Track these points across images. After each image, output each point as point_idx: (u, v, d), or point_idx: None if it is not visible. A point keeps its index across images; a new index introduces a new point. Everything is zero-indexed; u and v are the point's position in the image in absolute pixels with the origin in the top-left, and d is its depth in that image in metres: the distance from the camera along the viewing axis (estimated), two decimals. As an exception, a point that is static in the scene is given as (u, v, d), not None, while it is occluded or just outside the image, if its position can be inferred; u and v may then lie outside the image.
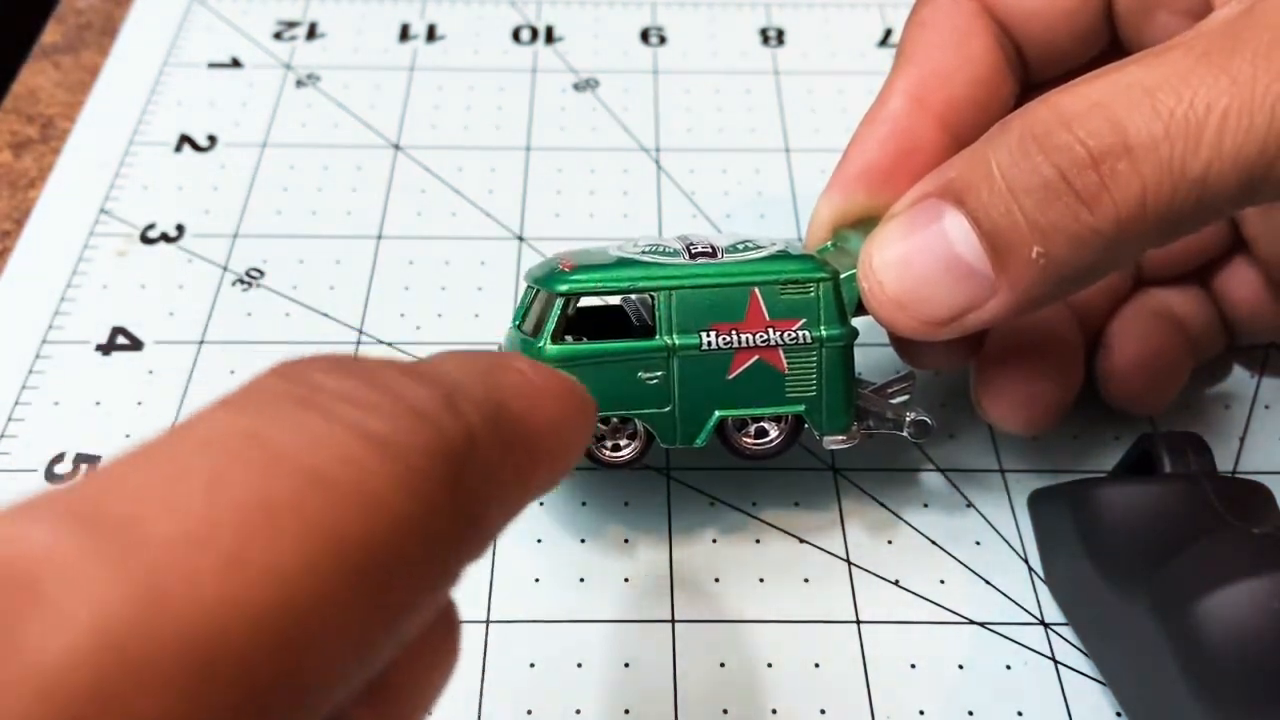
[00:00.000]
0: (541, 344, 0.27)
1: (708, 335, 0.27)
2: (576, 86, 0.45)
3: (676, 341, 0.27)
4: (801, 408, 0.28)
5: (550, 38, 0.47)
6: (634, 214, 0.40)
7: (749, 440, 0.29)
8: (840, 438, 0.29)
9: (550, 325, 0.27)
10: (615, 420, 0.28)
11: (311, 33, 0.46)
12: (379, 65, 0.45)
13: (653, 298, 0.27)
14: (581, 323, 0.29)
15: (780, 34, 0.47)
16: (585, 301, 0.28)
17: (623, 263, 0.28)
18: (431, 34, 0.47)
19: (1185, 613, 0.23)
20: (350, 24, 0.47)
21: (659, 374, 0.27)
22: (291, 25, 0.47)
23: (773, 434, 0.29)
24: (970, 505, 0.32)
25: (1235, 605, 0.23)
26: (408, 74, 0.45)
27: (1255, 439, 0.34)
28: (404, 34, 0.47)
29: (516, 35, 0.47)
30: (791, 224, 0.39)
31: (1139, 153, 0.22)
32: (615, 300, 0.29)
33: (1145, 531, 0.26)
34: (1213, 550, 0.25)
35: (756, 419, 0.28)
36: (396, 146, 0.42)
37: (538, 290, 0.28)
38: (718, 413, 0.28)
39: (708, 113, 0.44)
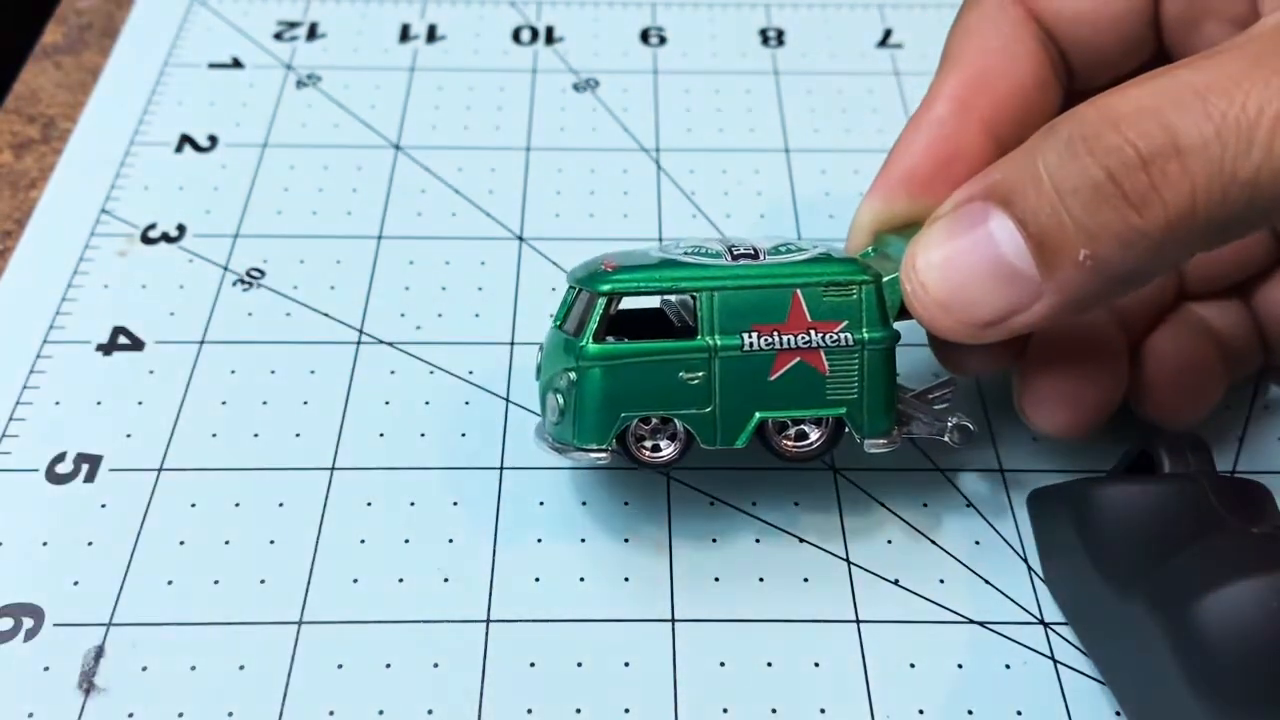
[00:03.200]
0: (584, 343, 0.27)
1: (749, 336, 0.27)
2: (576, 86, 0.45)
3: (718, 342, 0.27)
4: (843, 410, 0.28)
5: (550, 38, 0.47)
6: (634, 214, 0.40)
7: (789, 443, 0.29)
8: (881, 441, 0.28)
9: (593, 325, 0.27)
10: (656, 420, 0.28)
11: (312, 33, 0.46)
12: (379, 65, 0.45)
13: (695, 298, 0.27)
14: (622, 326, 0.29)
15: (780, 34, 0.47)
16: (627, 303, 0.28)
17: (665, 263, 0.28)
18: (431, 34, 0.47)
19: (1185, 613, 0.23)
20: (350, 24, 0.47)
21: (700, 374, 0.27)
22: (292, 26, 0.47)
23: (813, 436, 0.29)
24: (970, 505, 0.32)
25: (1235, 605, 0.23)
26: (408, 74, 0.45)
27: (1255, 439, 0.34)
28: (404, 34, 0.47)
29: (516, 35, 0.47)
30: (790, 224, 0.39)
31: (1189, 154, 0.22)
32: (656, 302, 0.29)
33: (1145, 531, 0.26)
34: (1213, 550, 0.25)
35: (797, 421, 0.28)
36: (397, 146, 0.42)
37: (579, 290, 0.28)
38: (758, 414, 0.28)
39: (708, 113, 0.44)
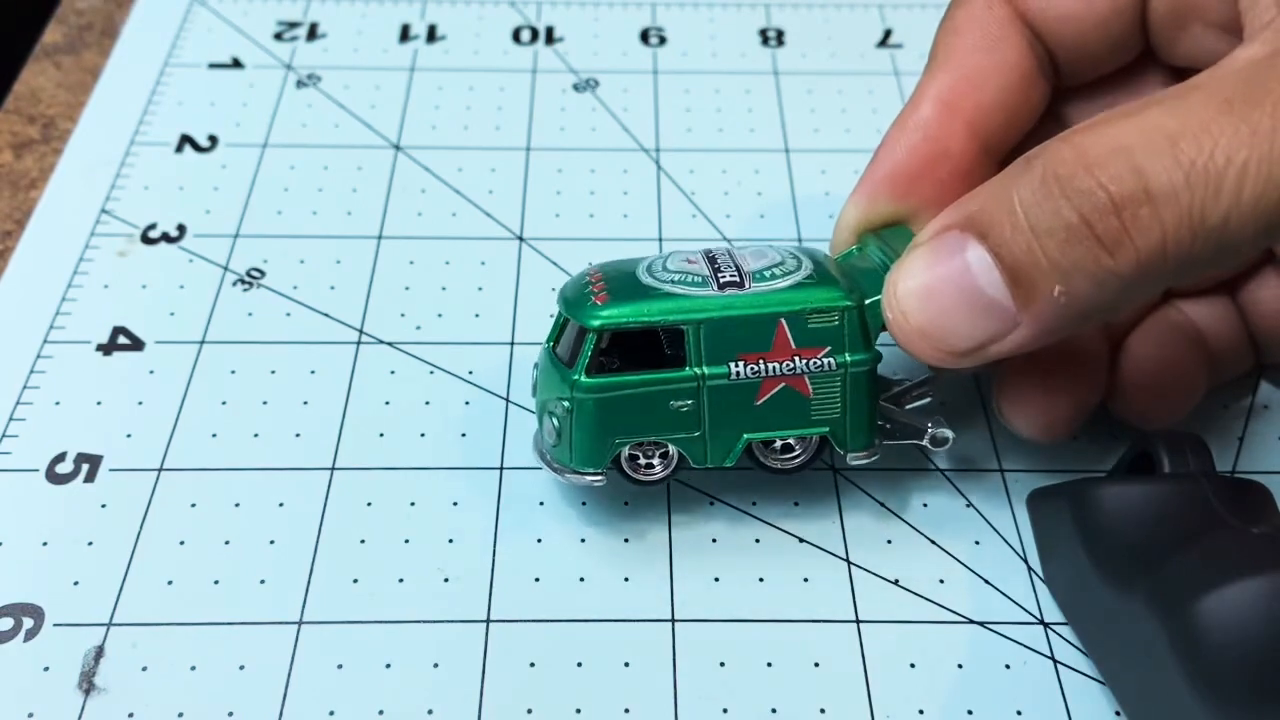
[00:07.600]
0: (577, 377, 0.28)
1: (736, 365, 0.28)
2: (576, 86, 0.45)
3: (706, 371, 0.28)
4: (826, 429, 0.29)
5: (550, 38, 0.47)
6: (634, 214, 0.40)
7: (775, 458, 0.30)
8: (863, 454, 0.29)
9: (584, 359, 0.28)
10: (648, 442, 0.29)
11: (312, 33, 0.47)
12: (379, 65, 0.45)
13: (683, 330, 0.28)
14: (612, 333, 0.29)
15: (780, 34, 0.47)
16: None
17: (652, 295, 0.28)
18: (432, 34, 0.47)
19: (1185, 613, 0.23)
20: (350, 24, 0.47)
21: (690, 402, 0.28)
22: (292, 26, 0.47)
23: (798, 451, 0.30)
24: (970, 505, 0.32)
25: (1235, 605, 0.23)
26: (408, 74, 0.45)
27: (1255, 439, 0.34)
28: (404, 34, 0.47)
29: (516, 35, 0.47)
30: (791, 224, 0.39)
31: (1160, 200, 0.22)
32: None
33: (1144, 531, 0.26)
34: (1213, 550, 0.25)
35: (783, 438, 0.29)
36: (397, 147, 0.42)
37: (569, 318, 0.29)
38: (746, 436, 0.29)
39: (708, 113, 0.44)
